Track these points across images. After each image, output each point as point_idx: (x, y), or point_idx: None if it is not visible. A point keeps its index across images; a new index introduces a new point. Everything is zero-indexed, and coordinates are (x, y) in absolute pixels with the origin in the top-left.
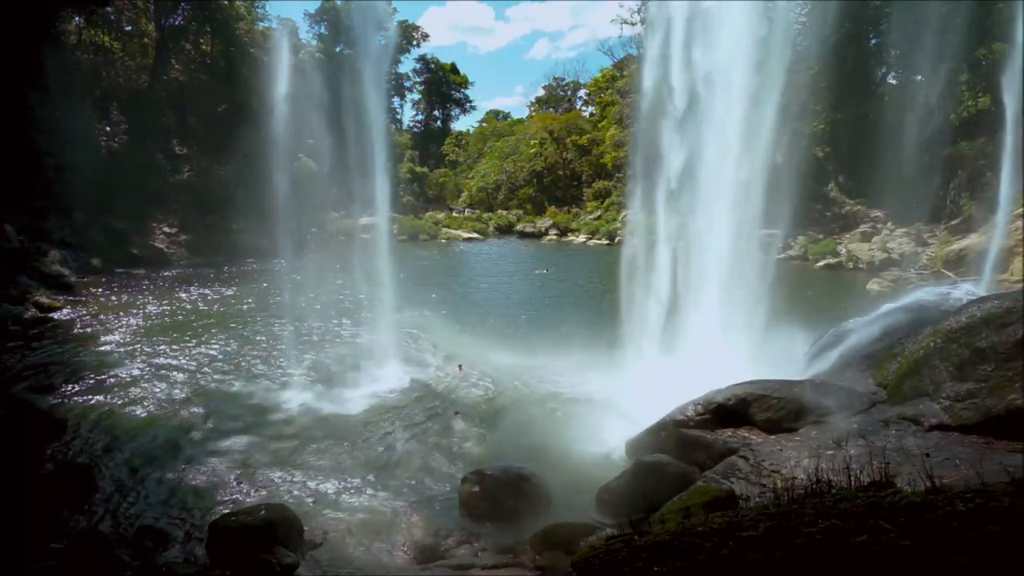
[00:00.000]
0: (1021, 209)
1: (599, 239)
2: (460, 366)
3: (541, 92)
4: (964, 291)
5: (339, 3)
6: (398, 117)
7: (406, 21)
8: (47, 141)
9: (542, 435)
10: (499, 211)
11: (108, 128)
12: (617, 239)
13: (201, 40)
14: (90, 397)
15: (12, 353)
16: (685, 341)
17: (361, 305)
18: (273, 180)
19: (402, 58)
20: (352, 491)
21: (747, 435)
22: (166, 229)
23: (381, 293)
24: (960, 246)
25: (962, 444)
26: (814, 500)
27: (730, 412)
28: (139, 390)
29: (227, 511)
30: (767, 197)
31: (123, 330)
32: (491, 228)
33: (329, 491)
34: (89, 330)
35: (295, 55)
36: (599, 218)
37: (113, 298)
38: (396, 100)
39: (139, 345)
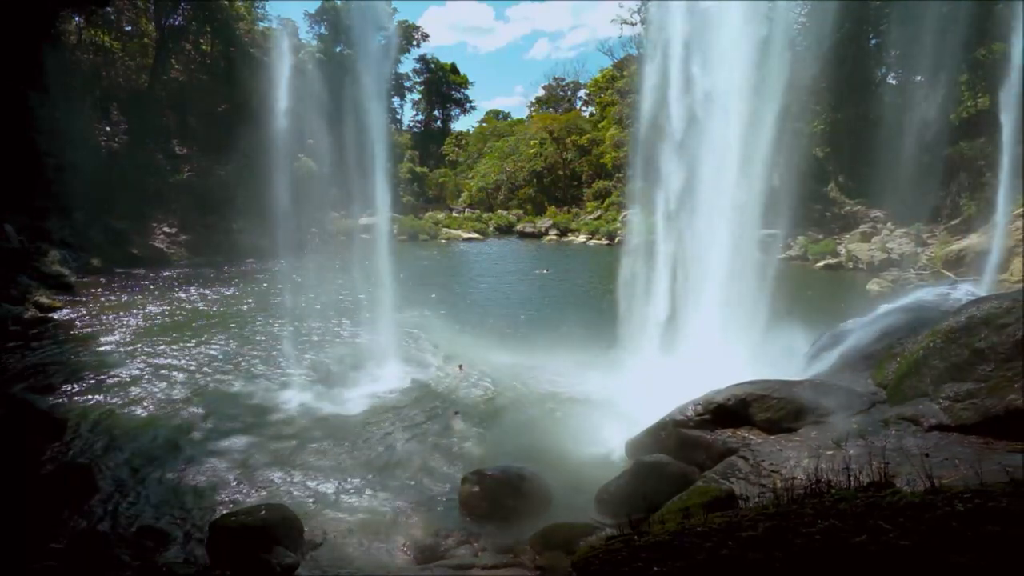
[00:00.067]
0: (1021, 209)
1: (599, 239)
2: (460, 366)
3: (541, 92)
4: (963, 291)
5: (339, 3)
6: (398, 117)
7: (406, 21)
8: (47, 141)
9: (542, 435)
10: (499, 211)
11: (108, 128)
12: (617, 239)
13: (201, 40)
14: (90, 397)
15: (12, 353)
16: (685, 341)
17: (361, 305)
18: (273, 180)
19: (402, 58)
20: (352, 491)
21: (747, 435)
22: (166, 229)
23: (381, 293)
24: (960, 246)
25: (961, 444)
26: (813, 500)
27: (730, 412)
28: (139, 390)
29: (227, 511)
30: (767, 198)
31: (123, 330)
32: (491, 228)
33: (329, 491)
34: (89, 330)
35: (295, 55)
36: (599, 218)
37: (113, 298)
38: (396, 100)
39: (139, 345)
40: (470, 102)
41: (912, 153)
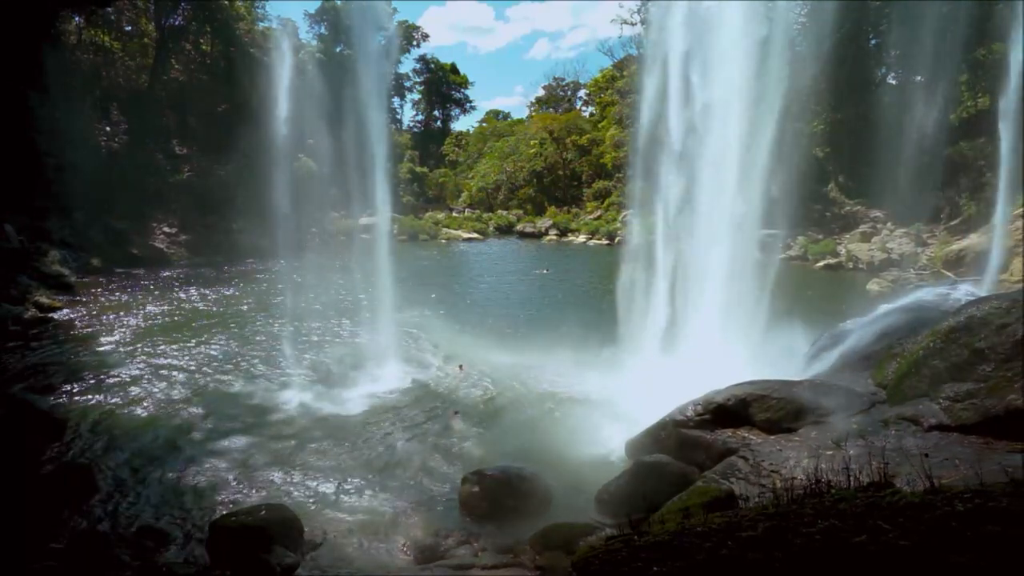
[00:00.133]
0: (1021, 209)
1: (599, 239)
2: (461, 366)
3: (541, 92)
4: (963, 291)
5: (339, 3)
6: (398, 117)
7: (406, 21)
8: (47, 141)
9: (542, 435)
10: (499, 211)
11: (108, 128)
12: (617, 239)
13: (201, 40)
14: (90, 397)
15: (12, 353)
16: (685, 341)
17: (361, 305)
18: (273, 180)
19: (402, 58)
20: (352, 491)
21: (747, 435)
22: (166, 229)
23: (381, 293)
24: (960, 246)
25: (961, 444)
26: (813, 500)
27: (730, 412)
28: (139, 390)
29: (227, 511)
30: (766, 200)
31: (123, 330)
32: (491, 228)
33: (329, 491)
34: (89, 330)
35: (295, 55)
36: (599, 218)
37: (113, 298)
38: (396, 100)
39: (139, 345)
40: (470, 102)
41: (912, 153)
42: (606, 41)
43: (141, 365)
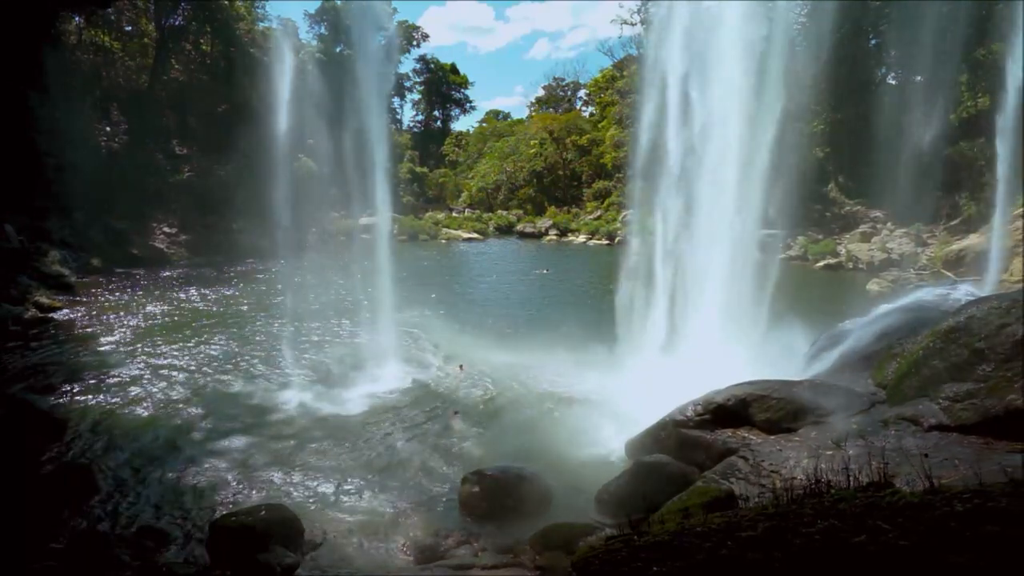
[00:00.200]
0: (1021, 209)
1: (599, 239)
2: (461, 366)
3: (541, 92)
4: (963, 291)
5: (339, 3)
6: (398, 117)
7: (406, 21)
8: (47, 141)
9: (542, 435)
10: (499, 211)
11: (108, 128)
12: (617, 239)
13: (201, 40)
14: (90, 397)
15: (12, 353)
16: (685, 341)
17: (361, 305)
18: (273, 180)
19: (402, 58)
20: (352, 491)
21: (747, 435)
22: (166, 229)
23: (381, 293)
24: (959, 246)
25: (961, 444)
26: (813, 500)
27: (730, 412)
28: (139, 390)
29: (227, 511)
30: (767, 199)
31: (123, 330)
32: (491, 228)
33: (329, 491)
34: (89, 330)
35: (295, 55)
36: (599, 218)
37: (113, 298)
38: (396, 100)
39: (139, 345)
40: (470, 102)
41: (912, 153)
42: (606, 41)
43: (141, 365)
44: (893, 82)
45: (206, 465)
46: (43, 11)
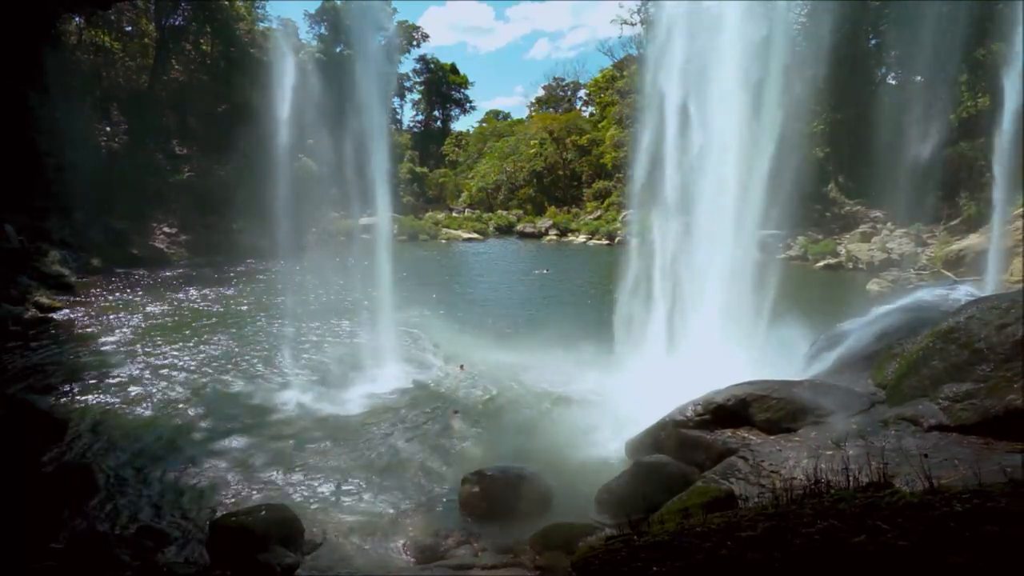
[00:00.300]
0: (1021, 209)
1: (599, 239)
2: (462, 366)
3: (541, 92)
4: (963, 291)
5: (339, 3)
6: (398, 117)
7: (406, 21)
8: (47, 141)
9: (542, 435)
10: (499, 211)
11: (108, 128)
12: (617, 239)
13: (201, 40)
14: (90, 397)
15: (12, 353)
16: (685, 341)
17: (361, 305)
18: (273, 180)
19: (402, 58)
20: (352, 491)
21: (746, 435)
22: (166, 229)
23: (381, 293)
24: (959, 246)
25: (961, 445)
26: (813, 500)
27: (730, 412)
28: (139, 390)
29: (227, 511)
30: (767, 199)
31: (123, 330)
32: (491, 228)
33: (329, 491)
34: (89, 330)
35: (295, 55)
36: (599, 218)
37: (113, 298)
38: (396, 100)
39: (139, 345)
40: (470, 102)
41: (912, 153)
42: (606, 41)
43: (141, 365)
44: (893, 82)
45: (206, 465)
46: (43, 12)
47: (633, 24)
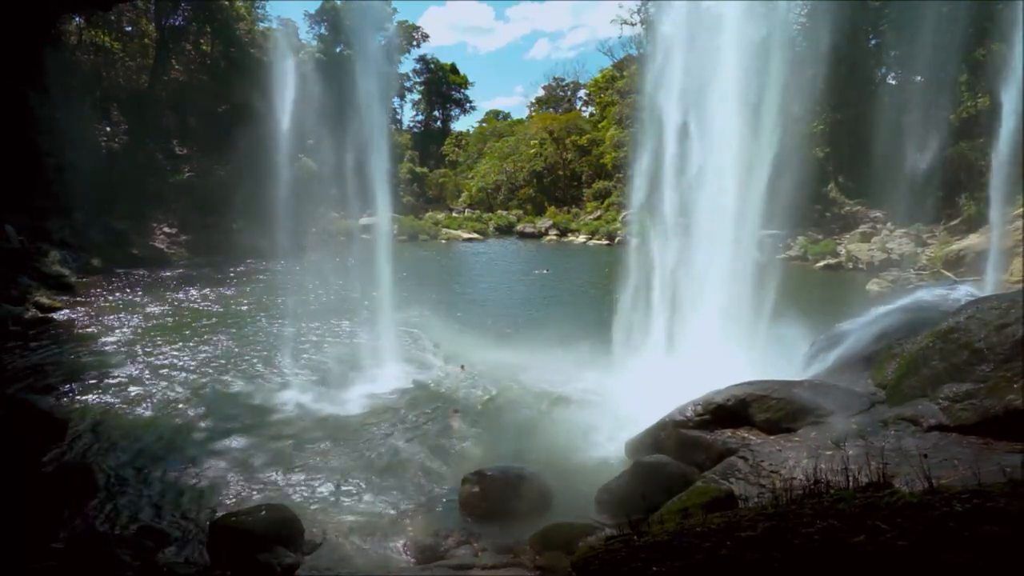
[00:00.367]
0: (1020, 209)
1: (599, 239)
2: (463, 366)
3: (541, 92)
4: (963, 292)
5: (339, 3)
6: (398, 117)
7: (406, 21)
8: (47, 141)
9: (542, 435)
10: (499, 211)
11: (108, 128)
12: (617, 239)
13: (201, 40)
14: (90, 397)
15: (12, 353)
16: (685, 341)
17: (361, 305)
18: (273, 180)
19: (402, 58)
20: (352, 491)
21: (746, 435)
22: (166, 229)
23: (381, 293)
24: (959, 246)
25: (960, 445)
26: (812, 500)
27: (729, 412)
28: (139, 390)
29: (227, 511)
30: (767, 199)
31: (123, 330)
32: (491, 228)
33: (329, 491)
34: (89, 330)
35: (295, 55)
36: (599, 218)
37: (113, 298)
38: (396, 100)
39: (139, 345)
40: (470, 102)
41: (912, 153)
42: (606, 41)
43: (141, 365)
44: (893, 82)
45: (206, 465)
46: (43, 12)
47: (633, 24)
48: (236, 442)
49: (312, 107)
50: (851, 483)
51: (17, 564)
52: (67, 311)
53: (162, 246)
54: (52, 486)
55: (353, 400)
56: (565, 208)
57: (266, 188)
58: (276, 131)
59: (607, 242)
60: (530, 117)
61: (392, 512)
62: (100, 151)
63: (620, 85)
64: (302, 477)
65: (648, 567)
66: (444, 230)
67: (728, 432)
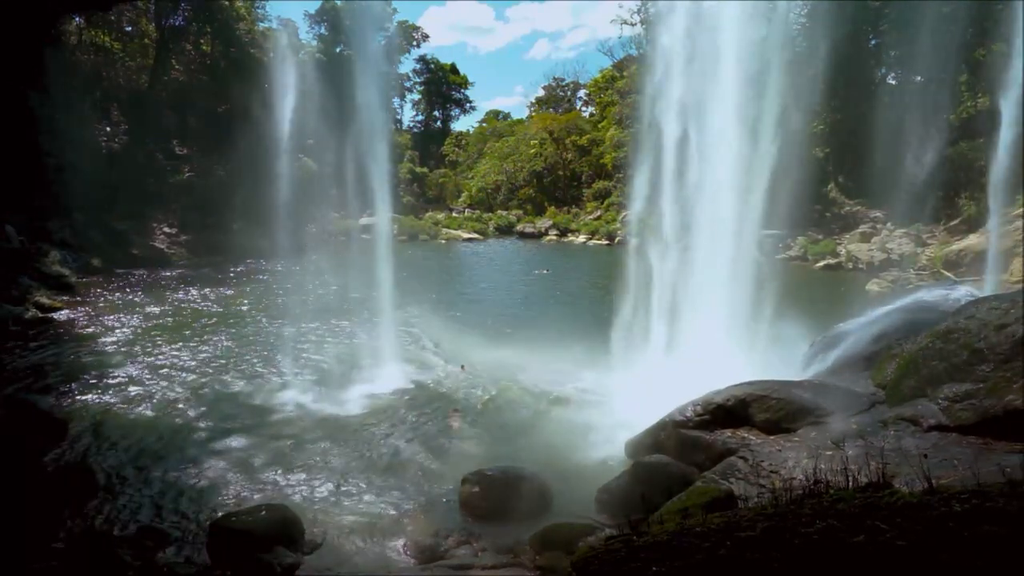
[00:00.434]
0: (1021, 209)
1: (599, 239)
2: (463, 366)
3: (541, 92)
4: (963, 292)
5: (339, 3)
6: (398, 117)
7: (406, 21)
8: (47, 141)
9: (542, 435)
10: (499, 211)
11: (108, 128)
12: (617, 239)
13: (201, 41)
14: (90, 397)
15: (12, 353)
16: (685, 341)
17: (361, 305)
18: (273, 180)
19: (402, 58)
20: (352, 491)
21: (746, 436)
22: (166, 229)
23: (381, 293)
24: (959, 247)
25: (960, 445)
26: (812, 501)
27: (729, 413)
28: (139, 390)
29: (227, 511)
30: (767, 199)
31: (123, 330)
32: (491, 228)
33: (329, 491)
34: (89, 330)
35: (295, 55)
36: (599, 218)
37: (113, 298)
38: (396, 100)
39: (139, 345)
40: (470, 102)
41: (912, 153)
42: (606, 41)
43: (141, 365)
44: (893, 82)
45: (206, 465)
46: (44, 12)
47: (633, 24)
48: (236, 442)
49: (312, 107)
50: (851, 483)
51: (17, 564)
52: (67, 311)
53: (162, 246)
54: (52, 486)
55: (353, 400)
56: (565, 208)
57: (266, 188)
58: (276, 131)
59: (607, 242)
60: (530, 117)
61: (392, 512)
62: (100, 151)
63: (620, 85)
64: (302, 477)
65: (648, 567)
66: (444, 230)
67: (728, 432)
